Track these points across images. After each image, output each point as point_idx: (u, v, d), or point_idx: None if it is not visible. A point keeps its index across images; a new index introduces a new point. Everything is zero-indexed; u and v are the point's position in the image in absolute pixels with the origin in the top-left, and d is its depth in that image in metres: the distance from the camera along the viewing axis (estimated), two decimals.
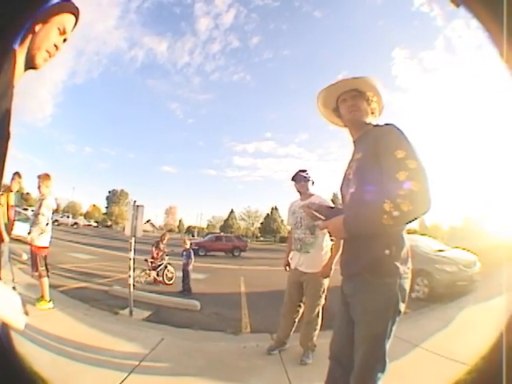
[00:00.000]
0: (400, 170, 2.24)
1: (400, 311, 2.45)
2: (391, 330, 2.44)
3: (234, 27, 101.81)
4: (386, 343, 2.44)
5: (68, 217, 57.52)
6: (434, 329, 6.34)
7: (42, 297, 6.17)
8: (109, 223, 78.63)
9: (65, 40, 1.66)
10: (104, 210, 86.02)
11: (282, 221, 77.49)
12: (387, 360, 2.44)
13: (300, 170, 5.31)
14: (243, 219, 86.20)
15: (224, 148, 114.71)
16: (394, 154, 2.32)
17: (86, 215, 79.51)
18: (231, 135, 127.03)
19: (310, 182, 5.30)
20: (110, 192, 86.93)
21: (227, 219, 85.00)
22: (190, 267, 10.82)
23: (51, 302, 6.23)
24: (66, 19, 1.64)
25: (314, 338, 5.08)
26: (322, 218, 2.78)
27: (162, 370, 4.33)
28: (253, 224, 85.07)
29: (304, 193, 5.26)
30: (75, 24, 1.70)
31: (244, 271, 17.77)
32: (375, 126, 2.79)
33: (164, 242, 12.53)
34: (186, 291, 10.25)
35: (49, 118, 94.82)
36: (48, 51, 1.57)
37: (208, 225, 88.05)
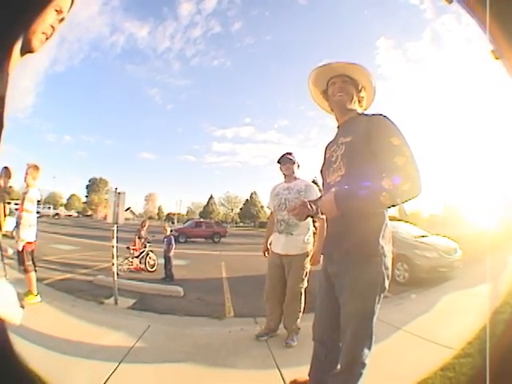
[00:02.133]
0: (397, 154, 2.36)
1: (385, 288, 2.53)
2: (378, 307, 2.50)
3: (216, 12, 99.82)
4: (374, 320, 2.50)
5: (49, 208, 56.84)
6: (416, 312, 6.36)
7: (30, 291, 6.08)
8: (89, 212, 77.67)
9: (62, 19, 1.59)
10: (84, 199, 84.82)
11: (262, 206, 76.89)
12: (373, 337, 2.52)
13: (286, 153, 5.30)
14: (223, 205, 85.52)
15: (203, 134, 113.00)
16: (391, 141, 2.42)
17: (67, 205, 78.55)
18: (210, 121, 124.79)
19: (296, 165, 5.29)
20: (89, 181, 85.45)
21: (207, 205, 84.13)
22: (172, 253, 10.85)
23: (38, 296, 6.15)
24: None
25: (298, 321, 5.07)
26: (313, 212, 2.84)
27: (151, 357, 4.34)
28: (232, 209, 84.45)
29: (289, 175, 5.25)
30: (71, 3, 1.63)
31: (224, 257, 17.80)
32: (361, 113, 2.85)
33: (144, 228, 12.54)
34: (168, 278, 10.29)
35: (30, 109, 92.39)
36: (44, 33, 1.51)
37: (188, 211, 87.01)
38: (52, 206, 60.67)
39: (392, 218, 2.97)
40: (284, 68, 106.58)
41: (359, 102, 2.90)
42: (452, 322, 5.58)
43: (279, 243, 5.13)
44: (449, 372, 3.74)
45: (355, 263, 2.51)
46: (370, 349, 2.55)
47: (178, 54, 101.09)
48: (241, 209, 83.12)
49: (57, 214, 55.52)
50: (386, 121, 2.57)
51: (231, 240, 30.76)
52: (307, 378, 3.09)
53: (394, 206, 2.41)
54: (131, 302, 7.14)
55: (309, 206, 2.76)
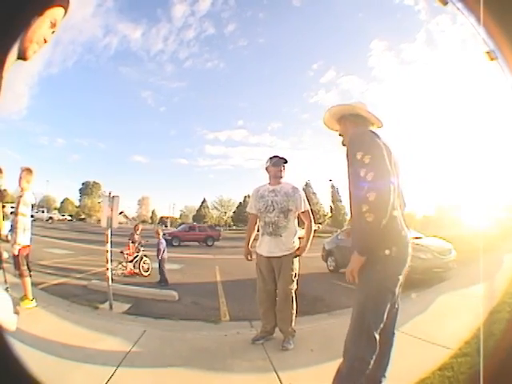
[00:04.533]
0: (362, 167, 2.67)
1: (388, 289, 2.90)
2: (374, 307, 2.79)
3: (210, 14, 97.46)
4: (369, 318, 2.77)
5: (43, 211, 56.46)
6: (412, 313, 6.20)
7: (25, 296, 6.04)
8: (82, 216, 77.11)
9: (53, 32, 1.63)
10: (77, 203, 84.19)
11: None
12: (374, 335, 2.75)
13: (274, 156, 5.32)
14: (216, 208, 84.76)
15: (196, 137, 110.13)
16: (356, 158, 2.73)
17: (60, 209, 78.02)
18: (203, 123, 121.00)
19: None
20: (82, 184, 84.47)
21: (200, 209, 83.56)
22: (164, 257, 10.83)
23: (34, 301, 6.11)
24: (58, 12, 1.61)
25: (293, 323, 5.09)
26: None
27: (148, 362, 4.34)
28: (225, 213, 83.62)
29: (279, 177, 5.26)
30: (63, 16, 1.66)
31: (218, 260, 17.76)
32: None
33: (138, 232, 12.40)
34: (162, 282, 10.26)
35: (24, 111, 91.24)
36: (38, 43, 1.55)
37: (181, 215, 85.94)
38: (46, 210, 60.26)
39: None
40: (277, 70, 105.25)
41: (357, 123, 3.24)
42: (448, 322, 5.56)
43: (268, 246, 5.11)
44: (447, 371, 3.74)
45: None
46: (368, 345, 2.74)
47: (171, 57, 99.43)
48: (234, 212, 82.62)
49: (50, 217, 55.21)
50: (352, 139, 2.97)
51: (225, 243, 30.57)
52: None
53: (385, 209, 2.63)
54: (126, 306, 7.14)
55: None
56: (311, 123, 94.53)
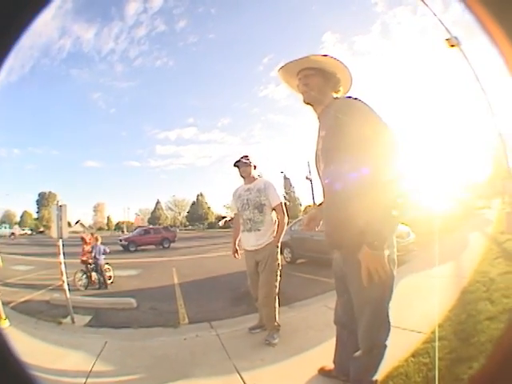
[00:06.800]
0: (370, 146, 2.36)
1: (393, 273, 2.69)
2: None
3: (162, 11, 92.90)
4: (386, 305, 2.75)
5: (5, 227, 54.94)
6: None
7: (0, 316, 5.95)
8: (41, 229, 74.80)
9: None
10: (35, 215, 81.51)
11: (209, 207, 76.68)
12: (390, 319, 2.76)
13: (242, 156, 5.42)
14: (170, 209, 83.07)
15: (146, 137, 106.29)
16: (361, 132, 2.40)
17: (21, 223, 75.52)
18: (153, 123, 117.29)
19: (252, 167, 5.41)
20: (39, 195, 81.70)
21: (154, 210, 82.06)
22: (100, 262, 11.15)
23: (7, 320, 6.01)
24: None
25: (277, 317, 5.13)
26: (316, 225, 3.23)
27: (111, 374, 4.35)
28: (180, 213, 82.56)
29: (247, 177, 5.40)
30: None
31: (175, 262, 17.57)
32: (336, 98, 2.84)
33: (88, 241, 12.11)
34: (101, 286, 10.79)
35: None
36: None
37: (136, 218, 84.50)
38: (8, 226, 58.59)
39: None
40: (226, 65, 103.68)
41: (332, 87, 2.87)
42: (416, 305, 5.46)
43: (250, 241, 5.23)
44: (422, 358, 3.63)
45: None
46: (385, 330, 2.73)
47: (121, 56, 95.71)
48: (188, 211, 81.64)
49: (12, 233, 53.75)
50: (351, 108, 2.56)
51: (181, 244, 30.15)
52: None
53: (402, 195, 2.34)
54: (87, 318, 7.10)
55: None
56: (260, 117, 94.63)
